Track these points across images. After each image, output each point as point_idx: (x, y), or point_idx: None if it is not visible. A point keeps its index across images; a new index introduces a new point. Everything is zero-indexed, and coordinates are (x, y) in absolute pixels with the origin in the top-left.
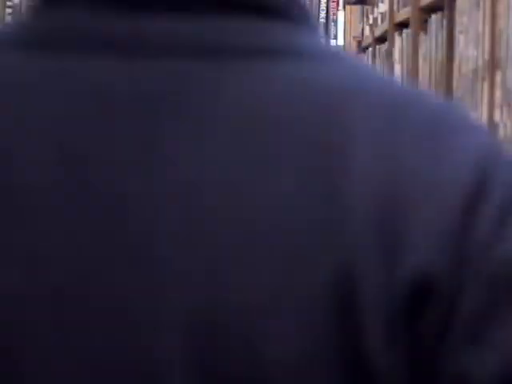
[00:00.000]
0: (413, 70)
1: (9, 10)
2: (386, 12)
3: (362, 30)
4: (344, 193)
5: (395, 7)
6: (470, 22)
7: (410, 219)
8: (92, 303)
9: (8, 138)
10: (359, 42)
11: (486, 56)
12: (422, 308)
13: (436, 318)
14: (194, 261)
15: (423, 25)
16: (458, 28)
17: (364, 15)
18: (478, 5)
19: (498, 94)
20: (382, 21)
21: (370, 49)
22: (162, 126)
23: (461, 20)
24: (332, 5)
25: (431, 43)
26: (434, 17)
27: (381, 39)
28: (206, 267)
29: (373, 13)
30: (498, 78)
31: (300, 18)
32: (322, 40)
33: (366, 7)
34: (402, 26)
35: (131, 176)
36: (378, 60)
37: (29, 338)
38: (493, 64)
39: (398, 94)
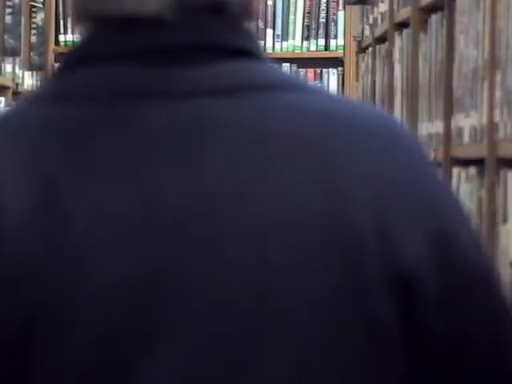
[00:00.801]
0: (413, 70)
1: (9, 10)
2: (385, 12)
3: (362, 29)
4: (347, 191)
5: (395, 7)
6: (470, 21)
7: (399, 219)
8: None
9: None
10: (359, 42)
11: (486, 56)
12: (412, 289)
13: (424, 290)
14: (246, 243)
15: (423, 25)
16: (458, 28)
17: (364, 15)
18: (477, 5)
19: (498, 94)
20: (382, 21)
21: (370, 49)
22: (199, 146)
23: (461, 20)
24: (332, 5)
25: (431, 43)
26: (434, 17)
27: (381, 39)
28: (258, 253)
29: (373, 13)
30: (498, 77)
31: (264, 57)
32: (276, 68)
33: (365, 7)
34: (402, 26)
35: (182, 183)
36: (377, 60)
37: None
38: (493, 64)
39: (378, 119)
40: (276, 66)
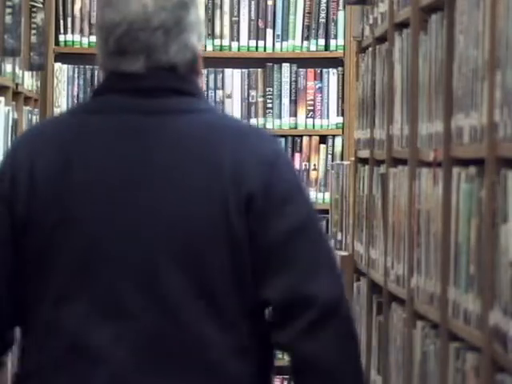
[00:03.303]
0: (413, 70)
1: (9, 10)
2: (385, 12)
3: (362, 29)
4: (220, 165)
5: (395, 7)
6: (470, 21)
7: (246, 171)
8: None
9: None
10: (359, 42)
11: (486, 56)
12: (250, 206)
13: (254, 209)
14: (163, 193)
15: (423, 25)
16: (458, 28)
17: (364, 15)
18: (477, 5)
19: (498, 94)
20: (382, 21)
21: (370, 49)
22: (145, 141)
23: (461, 20)
24: (332, 5)
25: (431, 43)
26: (434, 17)
27: (381, 39)
28: (171, 194)
29: (373, 13)
30: (498, 77)
31: (200, 95)
32: (210, 102)
33: (365, 7)
34: (402, 26)
35: (135, 163)
36: (377, 60)
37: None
38: (493, 64)
39: (241, 125)
40: (203, 99)
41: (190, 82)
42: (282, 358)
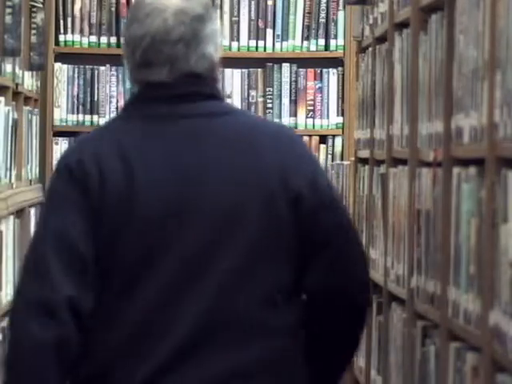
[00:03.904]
0: (413, 70)
1: (9, 10)
2: (385, 12)
3: (362, 29)
4: (265, 161)
5: (395, 7)
6: (470, 21)
7: (293, 172)
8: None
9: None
10: (359, 42)
11: (486, 56)
12: (299, 203)
13: (304, 204)
14: (219, 182)
15: (423, 25)
16: (458, 28)
17: (364, 15)
18: (477, 5)
19: (498, 94)
20: (382, 21)
21: (370, 49)
22: (195, 142)
23: (461, 20)
24: (332, 5)
25: (431, 43)
26: (434, 17)
27: (381, 39)
28: (226, 189)
29: (373, 13)
30: (498, 77)
31: (223, 99)
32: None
33: (365, 7)
34: (402, 26)
35: (190, 162)
36: (377, 60)
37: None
38: (493, 64)
39: (275, 126)
40: (227, 102)
41: (213, 87)
42: None
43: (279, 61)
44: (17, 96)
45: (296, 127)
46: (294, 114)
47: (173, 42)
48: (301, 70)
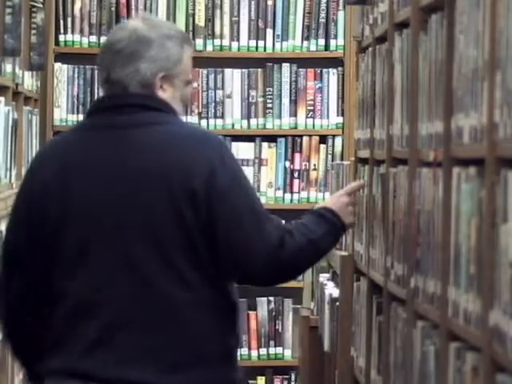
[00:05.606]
0: (413, 70)
1: (9, 10)
2: (385, 12)
3: (362, 29)
4: (167, 164)
5: (395, 7)
6: (470, 21)
7: (193, 170)
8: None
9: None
10: (359, 42)
11: (486, 56)
12: (194, 198)
13: (198, 200)
14: (128, 193)
15: (423, 25)
16: (458, 28)
17: (364, 15)
18: (477, 5)
19: (498, 94)
20: (382, 21)
21: (370, 49)
22: (125, 148)
23: (461, 20)
24: (332, 5)
25: (431, 43)
26: (434, 17)
27: (381, 39)
28: (132, 192)
29: (373, 13)
30: (498, 77)
31: (168, 109)
32: (178, 116)
33: (365, 7)
34: (402, 26)
35: (113, 168)
36: (377, 60)
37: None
38: (493, 64)
39: (197, 132)
40: (168, 113)
41: (158, 100)
42: (282, 359)
43: (279, 61)
44: (17, 96)
45: (296, 127)
46: (293, 113)
47: (113, 52)
48: (301, 70)
